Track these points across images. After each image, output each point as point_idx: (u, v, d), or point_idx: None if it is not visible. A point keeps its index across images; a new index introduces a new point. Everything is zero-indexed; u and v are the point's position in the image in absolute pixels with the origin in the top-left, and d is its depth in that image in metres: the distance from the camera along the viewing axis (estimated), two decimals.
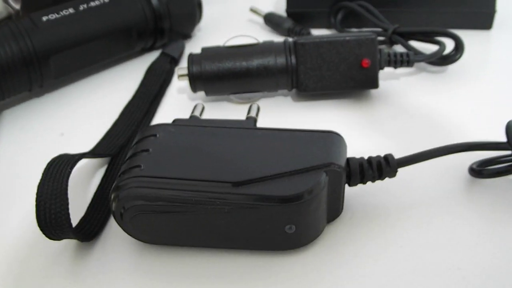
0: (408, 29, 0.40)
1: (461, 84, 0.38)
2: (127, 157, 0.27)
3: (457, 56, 0.38)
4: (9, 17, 0.44)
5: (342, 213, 0.28)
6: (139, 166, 0.26)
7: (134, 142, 0.28)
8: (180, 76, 0.37)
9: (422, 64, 0.40)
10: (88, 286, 0.26)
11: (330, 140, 0.27)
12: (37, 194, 0.26)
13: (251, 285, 0.25)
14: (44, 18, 0.39)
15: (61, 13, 0.40)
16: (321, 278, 0.25)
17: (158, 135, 0.28)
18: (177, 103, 0.39)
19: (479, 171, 0.29)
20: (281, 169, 0.25)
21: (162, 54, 0.42)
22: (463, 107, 0.35)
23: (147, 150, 0.27)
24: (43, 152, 0.32)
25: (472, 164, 0.30)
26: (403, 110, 0.36)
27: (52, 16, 0.39)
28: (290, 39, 0.37)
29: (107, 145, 0.33)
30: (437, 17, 0.43)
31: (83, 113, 0.38)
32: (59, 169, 0.27)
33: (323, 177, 0.25)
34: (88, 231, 0.28)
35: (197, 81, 0.36)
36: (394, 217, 0.28)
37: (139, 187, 0.25)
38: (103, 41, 0.41)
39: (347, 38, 0.35)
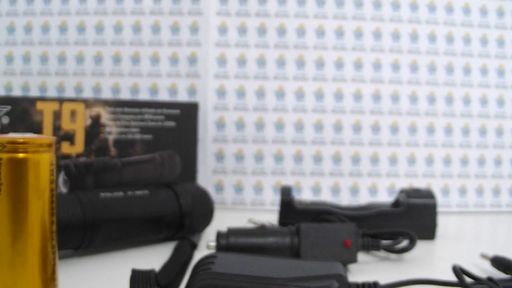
0: (377, 231, 0.52)
1: (415, 266, 0.49)
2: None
3: (412, 247, 0.50)
4: None
5: None
6: (208, 268, 0.34)
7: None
8: (209, 247, 0.46)
9: (384, 254, 0.52)
10: None
11: (337, 265, 0.37)
12: None
13: None
14: (102, 195, 0.49)
15: (114, 193, 0.50)
16: None
17: (216, 256, 0.36)
18: None
19: None
20: (308, 273, 0.34)
21: (186, 239, 0.52)
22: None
23: (211, 263, 0.35)
24: None
25: None
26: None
27: (108, 195, 0.49)
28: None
29: None
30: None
31: (117, 275, 0.45)
32: None
33: (336, 284, 0.34)
34: None
35: (223, 251, 0.46)
36: None
37: (215, 279, 0.33)
38: (140, 222, 0.50)
39: (336, 223, 0.48)
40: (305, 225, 0.47)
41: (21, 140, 0.35)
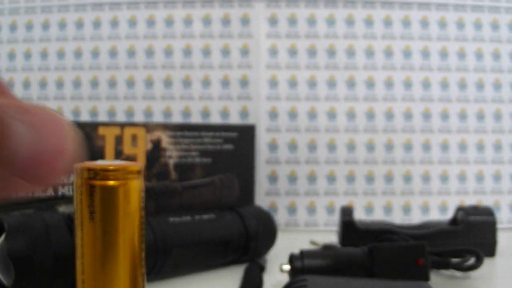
0: (442, 249, 0.52)
1: (485, 283, 0.50)
2: None
3: (479, 265, 0.50)
4: None
5: None
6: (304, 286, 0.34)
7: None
8: (283, 270, 0.46)
9: (449, 272, 0.51)
10: None
11: (427, 285, 0.37)
12: None
13: None
14: (171, 219, 0.49)
15: (182, 218, 0.50)
16: None
17: (307, 279, 0.36)
18: None
19: None
20: None
21: (254, 262, 0.52)
22: None
23: (304, 286, 0.35)
24: None
25: None
26: None
27: (176, 219, 0.50)
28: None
29: None
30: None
31: None
32: None
33: None
34: None
35: (298, 274, 0.45)
36: None
37: None
38: (209, 246, 0.50)
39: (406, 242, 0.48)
40: (378, 245, 0.47)
41: (112, 168, 0.36)
